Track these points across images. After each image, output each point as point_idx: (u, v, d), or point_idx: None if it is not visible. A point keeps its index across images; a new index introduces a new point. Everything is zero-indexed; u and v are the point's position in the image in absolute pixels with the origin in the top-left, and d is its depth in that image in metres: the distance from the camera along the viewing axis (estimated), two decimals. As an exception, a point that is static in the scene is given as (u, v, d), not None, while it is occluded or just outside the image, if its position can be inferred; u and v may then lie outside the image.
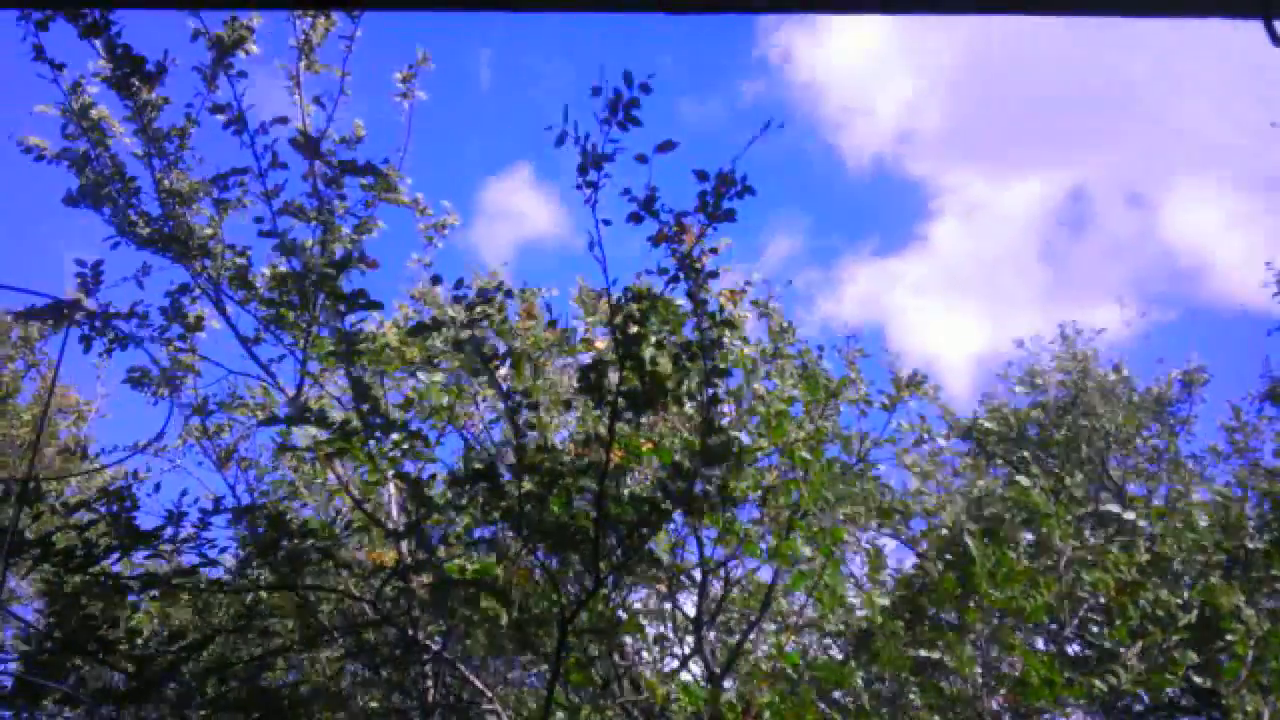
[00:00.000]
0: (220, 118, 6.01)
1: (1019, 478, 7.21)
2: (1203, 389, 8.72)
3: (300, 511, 7.55)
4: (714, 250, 6.77)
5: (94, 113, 6.07)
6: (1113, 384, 8.40)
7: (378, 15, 8.29)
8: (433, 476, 7.44)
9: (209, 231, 6.40)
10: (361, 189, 6.40)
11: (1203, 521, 6.65)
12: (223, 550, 7.08)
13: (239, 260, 6.51)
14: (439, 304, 7.23)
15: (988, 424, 8.26)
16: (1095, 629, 7.11)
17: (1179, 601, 6.35)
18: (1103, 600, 6.81)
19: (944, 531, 7.62)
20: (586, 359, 7.53)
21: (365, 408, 6.74)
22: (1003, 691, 7.05)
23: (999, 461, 8.14)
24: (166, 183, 6.27)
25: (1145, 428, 8.35)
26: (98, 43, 5.71)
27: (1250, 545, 6.62)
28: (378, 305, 6.02)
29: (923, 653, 7.25)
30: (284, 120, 6.03)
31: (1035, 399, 8.51)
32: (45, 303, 6.40)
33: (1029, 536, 7.50)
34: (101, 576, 6.70)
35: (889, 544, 8.22)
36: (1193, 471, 8.23)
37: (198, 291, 6.58)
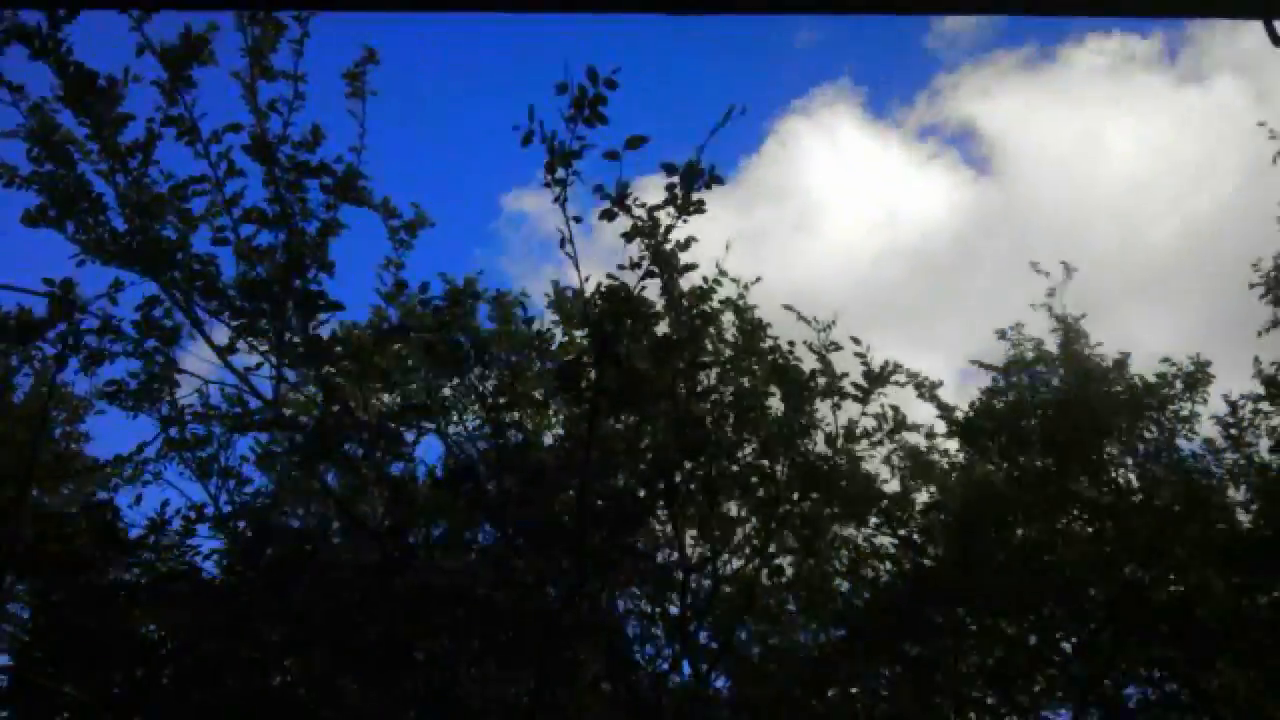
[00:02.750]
0: (174, 129, 6.08)
1: (1004, 474, 7.02)
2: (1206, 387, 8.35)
3: (285, 518, 7.63)
4: (685, 245, 6.70)
5: (58, 135, 6.17)
6: (1113, 379, 8.13)
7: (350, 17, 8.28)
8: (413, 478, 7.49)
9: (176, 243, 6.47)
10: (321, 191, 6.42)
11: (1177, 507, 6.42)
12: (208, 556, 7.21)
13: (207, 269, 6.58)
14: (410, 307, 7.26)
15: (982, 419, 8.04)
16: (1086, 615, 6.89)
17: (1150, 576, 6.12)
18: (1092, 593, 6.61)
19: (935, 525, 7.46)
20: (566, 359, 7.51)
21: (336, 409, 6.79)
22: (992, 686, 6.88)
23: (994, 456, 7.91)
24: (132, 198, 6.35)
25: (1145, 425, 8.06)
26: (50, 63, 5.80)
27: (1222, 527, 6.37)
28: (338, 306, 6.06)
29: (912, 648, 7.10)
30: (237, 127, 6.08)
31: (1032, 395, 8.25)
32: (41, 303, 6.55)
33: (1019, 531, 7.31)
34: (89, 586, 6.84)
35: (883, 540, 8.06)
36: (1192, 469, 7.93)
37: (169, 303, 6.66)
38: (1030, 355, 8.17)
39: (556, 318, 7.56)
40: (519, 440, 7.59)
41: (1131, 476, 7.57)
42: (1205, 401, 7.96)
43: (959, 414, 7.87)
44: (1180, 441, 7.92)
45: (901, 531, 7.76)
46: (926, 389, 7.87)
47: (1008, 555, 6.98)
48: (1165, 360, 8.05)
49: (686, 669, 7.97)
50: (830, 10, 1.85)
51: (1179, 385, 7.92)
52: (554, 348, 7.54)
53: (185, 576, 7.10)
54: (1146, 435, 7.84)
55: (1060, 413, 7.55)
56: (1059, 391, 7.83)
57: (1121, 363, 7.99)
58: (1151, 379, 7.87)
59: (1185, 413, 7.96)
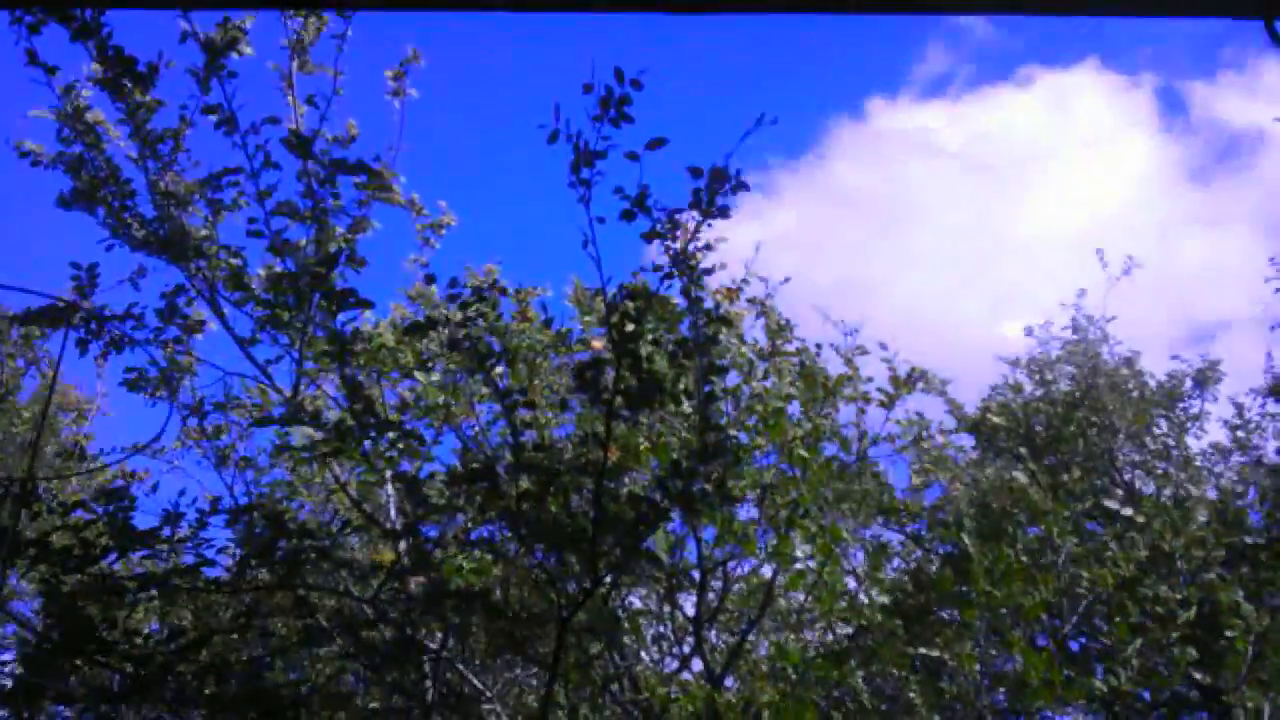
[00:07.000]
0: (212, 118, 6.03)
1: (1016, 473, 7.15)
2: (1216, 386, 8.60)
3: (299, 512, 7.56)
4: (708, 247, 6.76)
5: (88, 116, 6.10)
6: (1124, 378, 8.31)
7: (378, 16, 8.28)
8: (430, 475, 7.45)
9: (204, 233, 6.41)
10: (355, 188, 6.40)
11: (1201, 517, 6.59)
12: (220, 550, 7.12)
13: (234, 261, 6.52)
14: (434, 304, 7.24)
15: (995, 418, 8.18)
16: (1098, 624, 7.04)
17: (1178, 598, 6.29)
18: (1103, 597, 6.75)
19: (943, 529, 7.56)
20: (584, 357, 7.52)
21: (359, 407, 6.75)
22: (1002, 690, 7.00)
23: (1004, 457, 8.05)
24: (161, 185, 6.29)
25: (1155, 424, 8.26)
26: (90, 45, 5.74)
27: (1250, 540, 6.55)
28: (368, 304, 6.02)
29: (923, 651, 7.20)
30: (275, 120, 6.04)
31: (1044, 392, 8.41)
32: (44, 303, 6.46)
33: (1036, 530, 7.42)
34: (99, 577, 6.72)
35: (894, 539, 8.17)
36: (1200, 469, 8.13)
37: (193, 293, 6.60)
38: (1055, 354, 8.34)
39: (576, 313, 7.58)
40: (534, 439, 7.59)
41: (1140, 480, 7.75)
42: (1215, 400, 8.19)
43: (969, 410, 7.99)
44: (1189, 440, 8.13)
45: (909, 529, 7.87)
46: (937, 385, 8.00)
47: (1018, 555, 7.09)
48: (1175, 358, 8.27)
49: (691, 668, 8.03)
50: (831, 10, 1.86)
51: (1189, 384, 8.13)
52: (573, 342, 7.56)
53: (194, 571, 7.01)
54: (1155, 432, 8.04)
55: (1069, 412, 7.71)
56: (1069, 390, 7.99)
57: (1131, 360, 8.17)
58: (1162, 377, 8.08)
59: (1195, 410, 8.16)
